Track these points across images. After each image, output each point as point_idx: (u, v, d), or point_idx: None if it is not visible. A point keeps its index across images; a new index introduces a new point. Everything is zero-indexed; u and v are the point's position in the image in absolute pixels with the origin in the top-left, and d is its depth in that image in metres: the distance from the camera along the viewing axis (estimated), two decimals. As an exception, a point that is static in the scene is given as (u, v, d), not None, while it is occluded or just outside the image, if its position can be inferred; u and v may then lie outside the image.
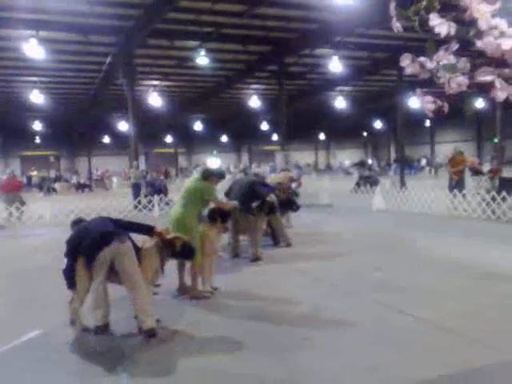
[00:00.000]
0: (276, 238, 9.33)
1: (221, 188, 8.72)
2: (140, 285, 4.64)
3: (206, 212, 6.53)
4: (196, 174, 7.11)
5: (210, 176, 6.34)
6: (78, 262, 4.71)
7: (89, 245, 4.67)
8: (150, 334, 4.59)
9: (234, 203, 7.40)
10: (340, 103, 32.36)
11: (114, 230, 4.80)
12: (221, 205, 6.50)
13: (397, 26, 2.03)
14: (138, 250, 4.87)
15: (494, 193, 11.98)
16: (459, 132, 47.33)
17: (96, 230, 4.76)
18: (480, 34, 1.83)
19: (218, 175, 6.54)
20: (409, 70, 2.01)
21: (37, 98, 25.51)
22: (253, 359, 4.10)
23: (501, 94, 1.87)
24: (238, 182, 8.97)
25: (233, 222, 7.71)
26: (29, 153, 46.99)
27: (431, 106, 2.00)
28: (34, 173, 42.81)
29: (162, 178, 37.06)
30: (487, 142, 40.23)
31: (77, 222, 5.31)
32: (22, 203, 15.31)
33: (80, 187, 32.96)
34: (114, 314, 4.96)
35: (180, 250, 5.13)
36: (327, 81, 28.65)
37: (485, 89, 1.90)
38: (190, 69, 23.69)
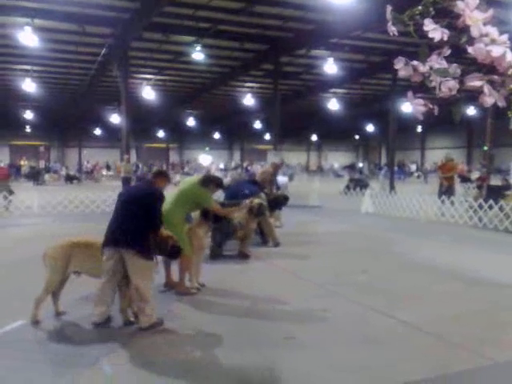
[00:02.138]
0: (265, 237, 9.35)
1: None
2: (145, 289, 4.62)
3: (195, 213, 6.51)
4: (195, 177, 7.01)
5: (210, 183, 6.26)
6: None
7: (106, 235, 4.82)
8: (158, 325, 4.69)
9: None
10: (333, 105, 32.44)
11: (125, 230, 4.70)
12: (219, 212, 6.38)
13: (392, 29, 2.05)
14: None
15: (481, 200, 12.11)
16: (450, 139, 47.73)
17: (114, 223, 4.84)
18: (471, 41, 1.86)
19: (218, 183, 6.44)
20: (402, 73, 2.04)
21: (29, 86, 25.26)
22: (235, 357, 4.11)
23: (488, 100, 1.91)
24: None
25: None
26: (18, 142, 46.43)
27: (421, 109, 2.03)
28: (24, 162, 42.33)
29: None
30: (477, 150, 40.56)
31: (140, 179, 5.39)
32: (10, 192, 15.13)
33: (69, 179, 32.77)
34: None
35: (169, 250, 5.13)
36: (321, 82, 28.69)
37: (474, 94, 1.94)
38: (184, 64, 23.60)
